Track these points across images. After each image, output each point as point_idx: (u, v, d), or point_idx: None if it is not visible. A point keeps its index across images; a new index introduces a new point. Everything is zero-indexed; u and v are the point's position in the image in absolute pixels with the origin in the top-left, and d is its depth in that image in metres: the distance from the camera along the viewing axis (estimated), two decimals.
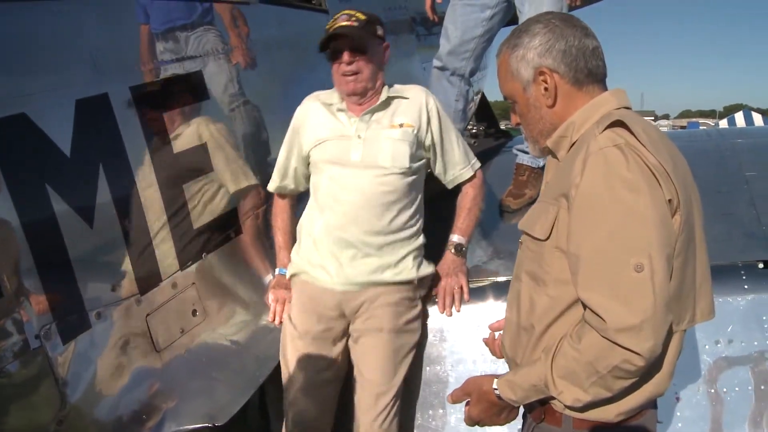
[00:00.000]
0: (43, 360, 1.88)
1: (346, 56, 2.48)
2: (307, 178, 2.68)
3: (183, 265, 2.43)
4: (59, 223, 1.94)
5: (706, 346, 2.49)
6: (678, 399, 2.47)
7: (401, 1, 4.68)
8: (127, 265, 2.19)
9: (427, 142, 2.62)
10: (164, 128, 2.40)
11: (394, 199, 2.51)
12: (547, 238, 1.59)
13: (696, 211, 1.59)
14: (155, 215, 2.31)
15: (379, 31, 2.57)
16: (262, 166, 2.90)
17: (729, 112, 49.15)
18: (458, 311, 2.69)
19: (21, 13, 2.03)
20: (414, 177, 2.57)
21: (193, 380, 2.41)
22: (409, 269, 2.54)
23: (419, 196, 2.62)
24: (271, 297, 2.70)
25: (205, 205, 2.57)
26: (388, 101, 2.59)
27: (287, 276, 2.66)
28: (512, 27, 3.34)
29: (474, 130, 4.83)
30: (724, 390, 2.47)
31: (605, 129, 1.53)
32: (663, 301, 1.43)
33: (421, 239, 2.61)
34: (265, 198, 2.87)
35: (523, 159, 3.40)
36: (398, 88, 2.64)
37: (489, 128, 5.01)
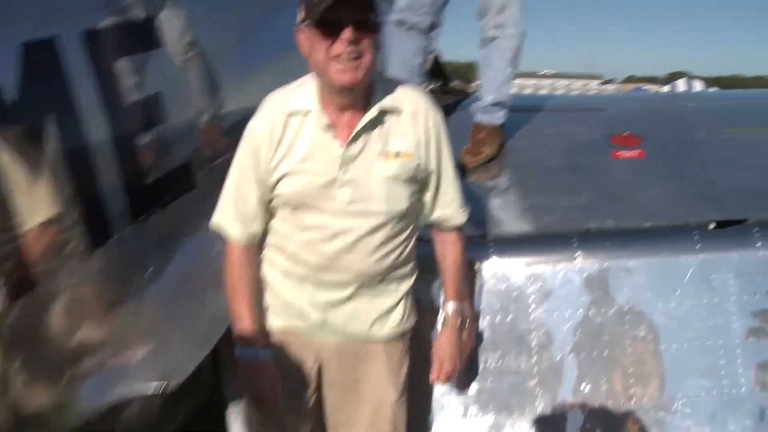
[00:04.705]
0: None
1: (349, 32, 1.87)
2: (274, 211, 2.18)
3: (135, 220, 2.33)
4: None
5: (659, 305, 2.54)
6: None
7: None
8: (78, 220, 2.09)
9: (425, 172, 2.13)
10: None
11: (391, 247, 2.12)
12: None
13: None
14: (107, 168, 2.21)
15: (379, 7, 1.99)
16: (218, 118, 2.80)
17: (672, 78, 50.20)
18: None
19: None
20: (411, 214, 2.16)
21: (144, 340, 2.33)
22: (401, 319, 2.23)
23: (414, 225, 2.21)
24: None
25: (160, 158, 2.46)
26: (381, 116, 2.04)
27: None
28: None
29: (429, 88, 4.81)
30: (674, 346, 2.52)
31: None
32: None
33: (414, 276, 2.27)
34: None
35: (481, 117, 3.37)
36: (390, 98, 2.05)
37: (444, 86, 5.00)
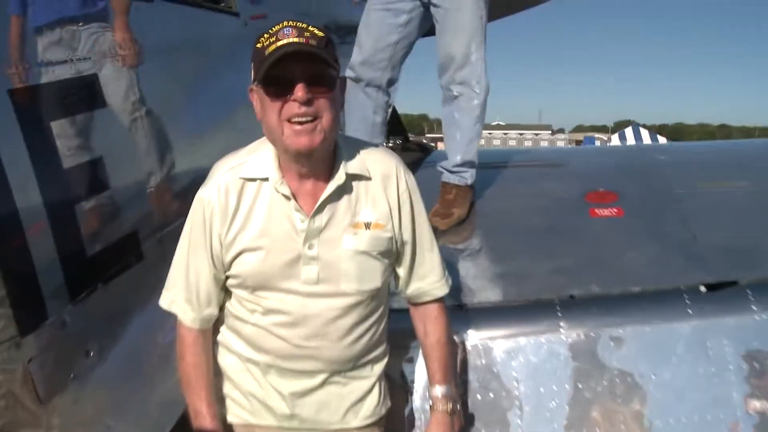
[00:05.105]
0: None
1: (301, 91, 1.65)
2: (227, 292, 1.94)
3: (74, 298, 2.09)
4: None
5: (653, 376, 2.35)
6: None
7: (314, 8, 4.45)
8: (3, 300, 1.84)
9: (399, 243, 1.91)
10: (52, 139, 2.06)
11: (364, 329, 1.90)
12: None
13: None
14: (39, 240, 1.96)
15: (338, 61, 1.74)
16: (168, 181, 2.61)
17: (619, 127, 51.81)
18: None
19: None
20: (385, 290, 1.96)
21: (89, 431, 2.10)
22: (376, 405, 2.00)
23: (386, 298, 2.01)
24: None
25: (102, 227, 2.24)
26: (348, 183, 1.82)
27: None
28: (431, 37, 3.25)
29: (390, 145, 4.66)
30: (671, 421, 2.33)
31: None
32: None
33: (387, 355, 2.05)
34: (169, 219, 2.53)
35: (450, 177, 3.21)
36: (357, 162, 1.83)
37: (405, 142, 4.87)
